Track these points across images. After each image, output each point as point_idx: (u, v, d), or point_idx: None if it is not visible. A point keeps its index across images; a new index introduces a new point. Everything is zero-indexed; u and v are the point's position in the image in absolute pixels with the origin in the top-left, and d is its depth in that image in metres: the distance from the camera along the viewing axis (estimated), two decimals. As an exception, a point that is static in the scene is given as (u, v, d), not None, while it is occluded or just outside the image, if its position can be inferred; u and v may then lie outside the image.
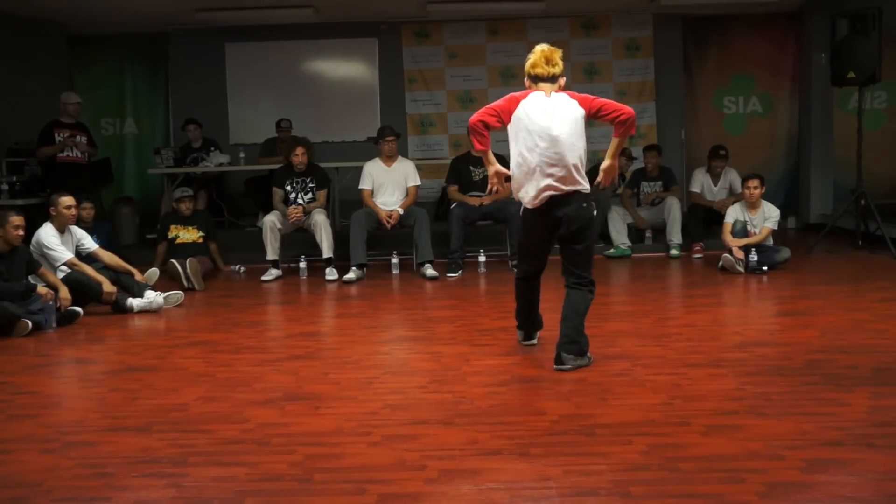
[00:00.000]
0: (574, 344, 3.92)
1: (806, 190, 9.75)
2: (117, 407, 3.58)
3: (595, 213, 4.02)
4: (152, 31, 9.88)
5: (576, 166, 3.89)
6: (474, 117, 3.92)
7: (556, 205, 3.93)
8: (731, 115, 10.16)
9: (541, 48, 3.99)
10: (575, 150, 3.89)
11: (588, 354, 3.99)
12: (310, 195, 7.38)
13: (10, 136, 8.43)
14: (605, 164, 4.01)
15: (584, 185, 3.94)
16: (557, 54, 3.98)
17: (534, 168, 3.90)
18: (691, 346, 4.37)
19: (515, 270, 4.39)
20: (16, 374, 4.22)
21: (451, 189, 7.68)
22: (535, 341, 4.43)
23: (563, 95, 3.94)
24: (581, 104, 3.90)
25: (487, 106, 3.97)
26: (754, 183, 6.87)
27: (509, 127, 3.97)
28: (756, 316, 5.47)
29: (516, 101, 3.94)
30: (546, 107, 3.90)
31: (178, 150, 8.86)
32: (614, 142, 3.95)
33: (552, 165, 3.88)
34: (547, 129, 3.87)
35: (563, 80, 4.00)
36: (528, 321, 4.40)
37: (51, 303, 5.30)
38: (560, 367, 3.90)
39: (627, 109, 3.82)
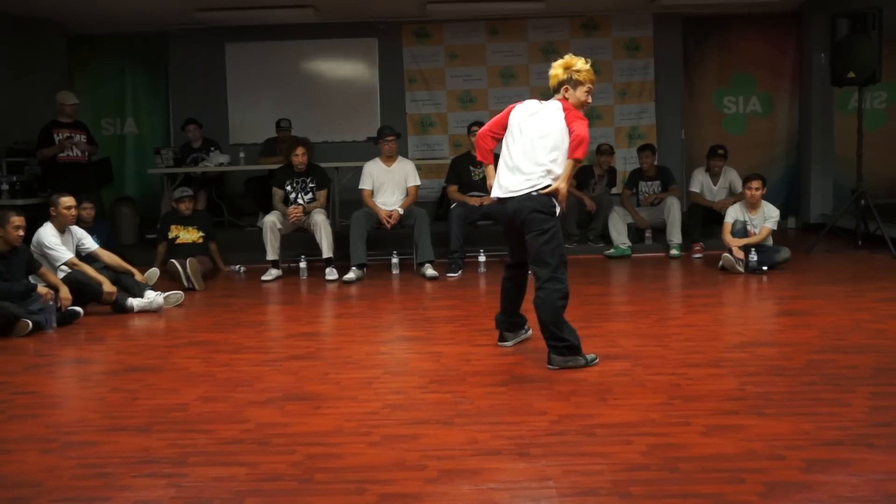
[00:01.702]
0: (554, 347, 3.94)
1: (806, 190, 9.76)
2: (117, 407, 3.58)
3: (552, 206, 3.97)
4: (152, 31, 9.88)
5: (546, 168, 3.96)
6: (484, 129, 4.18)
7: (510, 199, 4.04)
8: (731, 115, 10.16)
9: (585, 62, 4.10)
10: (547, 153, 3.96)
11: (585, 355, 3.97)
12: (310, 195, 7.38)
13: (10, 136, 8.43)
14: (557, 186, 3.99)
15: (543, 184, 3.96)
16: (574, 62, 4.09)
17: (512, 164, 4.05)
18: (691, 346, 4.37)
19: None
20: (16, 374, 4.22)
21: (451, 189, 7.68)
22: (508, 343, 4.38)
23: (556, 103, 4.03)
24: (566, 118, 3.97)
25: (494, 120, 4.18)
26: (756, 184, 6.87)
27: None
28: (756, 316, 5.47)
29: (509, 110, 4.15)
30: (534, 111, 4.07)
31: (178, 150, 8.86)
32: (567, 164, 3.97)
33: (525, 160, 4.02)
34: (533, 129, 4.02)
35: (563, 90, 4.08)
36: (502, 315, 4.36)
37: (51, 303, 5.30)
38: (550, 365, 3.94)
39: (580, 140, 3.86)
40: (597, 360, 4.01)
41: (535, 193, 3.94)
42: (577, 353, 3.95)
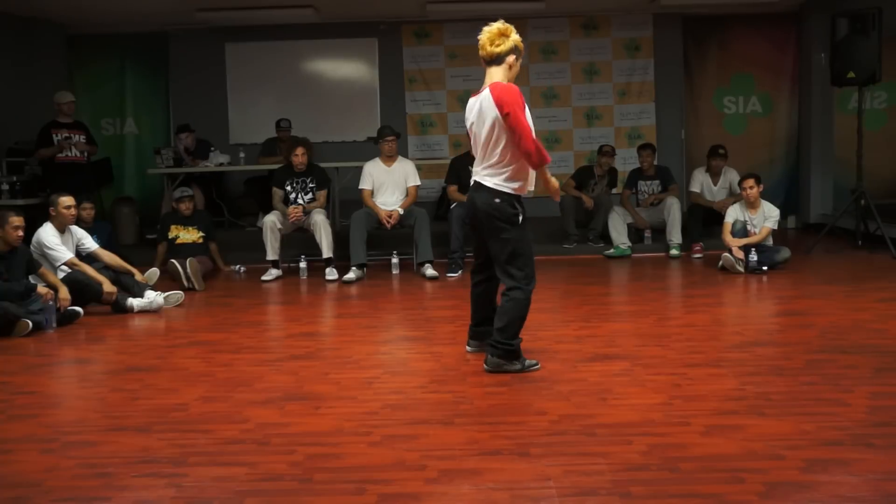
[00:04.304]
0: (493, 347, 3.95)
1: (806, 190, 9.76)
2: (117, 407, 3.58)
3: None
4: (152, 31, 9.89)
5: (492, 166, 3.86)
6: (533, 141, 3.73)
7: None
8: (731, 115, 10.16)
9: (488, 27, 3.87)
10: (494, 152, 3.83)
11: (523, 360, 3.92)
12: (310, 195, 7.38)
13: (10, 136, 8.44)
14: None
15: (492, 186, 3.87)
16: (509, 30, 3.87)
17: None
18: (691, 346, 4.37)
19: (530, 290, 3.90)
20: (16, 374, 4.22)
21: (451, 189, 7.68)
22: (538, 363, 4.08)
23: (486, 92, 3.81)
24: (497, 105, 3.74)
25: (526, 119, 3.75)
26: (750, 182, 6.89)
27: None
28: (756, 316, 5.47)
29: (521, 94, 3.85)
30: (472, 105, 3.93)
31: (177, 150, 8.85)
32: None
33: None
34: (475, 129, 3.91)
35: (510, 59, 3.86)
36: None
37: (51, 303, 5.30)
38: (486, 366, 3.94)
39: (527, 143, 3.68)
40: (537, 366, 3.93)
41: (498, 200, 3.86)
42: (514, 359, 3.90)
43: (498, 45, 3.84)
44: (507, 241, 3.84)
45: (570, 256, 8.07)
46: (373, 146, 7.79)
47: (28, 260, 5.50)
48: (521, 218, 3.86)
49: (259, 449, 2.99)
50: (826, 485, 2.54)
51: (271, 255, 7.20)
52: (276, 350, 4.74)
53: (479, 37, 3.89)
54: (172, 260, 6.83)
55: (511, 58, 3.85)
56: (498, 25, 3.88)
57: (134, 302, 5.81)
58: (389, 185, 7.38)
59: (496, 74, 3.86)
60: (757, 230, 6.90)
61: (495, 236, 3.87)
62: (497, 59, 3.86)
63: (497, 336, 3.87)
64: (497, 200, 3.83)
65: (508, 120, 3.71)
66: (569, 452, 2.86)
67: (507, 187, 3.83)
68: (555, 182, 3.94)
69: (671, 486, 2.55)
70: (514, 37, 3.88)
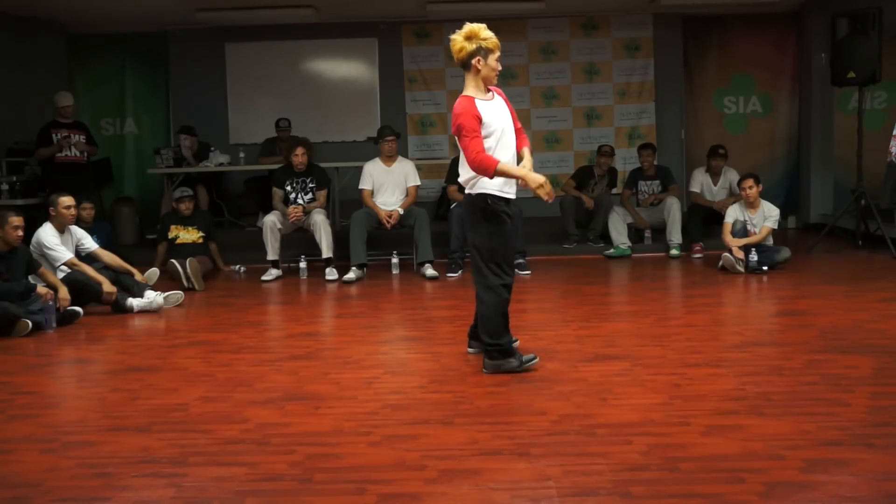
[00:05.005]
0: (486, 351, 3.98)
1: (806, 190, 9.76)
2: (117, 407, 3.58)
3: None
4: (152, 31, 9.89)
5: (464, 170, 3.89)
6: (477, 155, 3.72)
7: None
8: (731, 115, 10.16)
9: (455, 33, 3.85)
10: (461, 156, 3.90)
11: (520, 357, 3.93)
12: (310, 195, 7.38)
13: (9, 136, 8.44)
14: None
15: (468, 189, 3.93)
16: (474, 32, 3.80)
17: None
18: (691, 346, 4.37)
19: (498, 286, 3.89)
20: (16, 374, 4.22)
21: (451, 189, 7.68)
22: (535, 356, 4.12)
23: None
24: (452, 119, 3.84)
25: (473, 132, 3.74)
26: (748, 183, 6.89)
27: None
28: (756, 316, 5.47)
29: (477, 113, 3.80)
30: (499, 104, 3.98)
31: (178, 152, 8.85)
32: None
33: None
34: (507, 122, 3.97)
35: (474, 62, 3.81)
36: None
37: (51, 303, 5.30)
38: (484, 369, 3.94)
39: (471, 156, 3.71)
40: (535, 360, 3.97)
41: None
42: (508, 356, 3.90)
43: (460, 52, 3.84)
44: (476, 236, 3.89)
45: (570, 256, 8.07)
46: (373, 146, 7.79)
47: (28, 260, 5.50)
48: (493, 214, 3.84)
49: (259, 449, 2.99)
50: (826, 485, 2.54)
51: (271, 255, 7.20)
52: (276, 350, 4.74)
53: None
54: (172, 260, 6.83)
55: (475, 60, 3.82)
56: (464, 30, 3.85)
57: (134, 302, 5.81)
58: (389, 185, 7.38)
59: (467, 79, 3.89)
60: (757, 230, 6.91)
61: (470, 231, 3.96)
62: (464, 65, 3.88)
63: (485, 339, 3.92)
64: (471, 196, 3.92)
65: (458, 137, 3.82)
66: (569, 452, 2.86)
67: (477, 188, 3.86)
68: (535, 178, 3.72)
69: (671, 486, 2.55)
70: (484, 34, 3.83)
